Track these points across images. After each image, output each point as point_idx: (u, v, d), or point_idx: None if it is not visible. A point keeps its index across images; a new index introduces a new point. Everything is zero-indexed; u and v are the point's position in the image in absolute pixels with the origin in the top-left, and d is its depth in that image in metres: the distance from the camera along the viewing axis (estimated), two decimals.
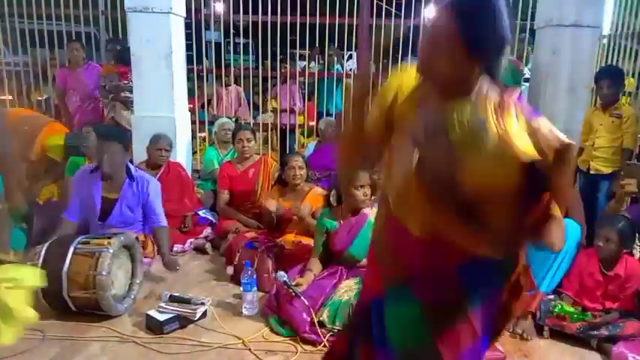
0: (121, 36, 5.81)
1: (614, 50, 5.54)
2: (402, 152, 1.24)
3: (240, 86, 6.00)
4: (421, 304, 1.29)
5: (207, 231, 3.88)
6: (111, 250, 2.58)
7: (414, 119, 1.23)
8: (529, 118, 1.16)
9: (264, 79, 6.59)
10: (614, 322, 2.48)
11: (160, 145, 3.89)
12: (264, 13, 5.59)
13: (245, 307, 2.73)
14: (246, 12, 5.56)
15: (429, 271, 1.28)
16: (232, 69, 5.84)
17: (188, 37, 4.93)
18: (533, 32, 4.23)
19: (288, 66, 6.22)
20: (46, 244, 2.63)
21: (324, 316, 2.50)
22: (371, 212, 2.82)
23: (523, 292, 1.38)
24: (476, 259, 1.26)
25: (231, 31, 6.37)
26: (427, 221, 1.23)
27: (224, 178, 3.97)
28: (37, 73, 6.02)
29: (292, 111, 5.96)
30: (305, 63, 6.12)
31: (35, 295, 2.27)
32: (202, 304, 2.65)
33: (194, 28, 5.59)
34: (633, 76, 5.27)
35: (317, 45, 6.16)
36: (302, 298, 2.55)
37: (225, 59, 6.49)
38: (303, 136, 6.34)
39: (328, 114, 6.00)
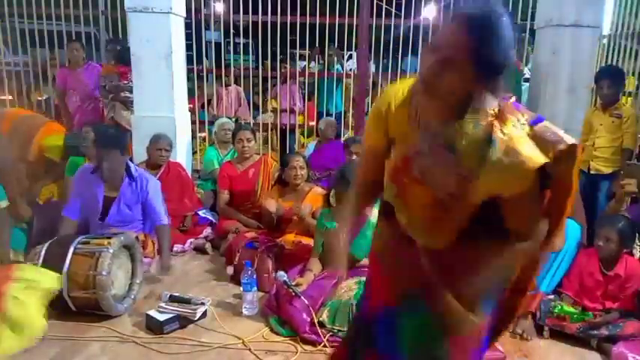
0: (121, 36, 5.81)
1: (614, 50, 5.53)
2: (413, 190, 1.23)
3: (240, 86, 6.00)
4: (435, 316, 1.29)
5: (207, 231, 3.88)
6: (111, 250, 2.58)
7: (416, 136, 1.21)
8: (532, 123, 1.16)
9: (264, 79, 6.58)
10: (614, 322, 2.48)
11: (159, 145, 3.89)
12: (264, 13, 5.59)
13: (245, 307, 2.73)
14: (246, 12, 5.55)
15: (442, 283, 1.27)
16: (232, 69, 5.84)
17: (188, 37, 4.93)
18: (533, 32, 4.23)
19: (288, 66, 6.22)
20: (46, 244, 2.63)
21: (324, 316, 2.50)
22: (370, 213, 2.81)
23: (526, 289, 1.37)
24: (488, 264, 1.26)
25: (231, 31, 6.36)
26: (444, 239, 1.22)
27: (224, 178, 3.97)
28: (37, 73, 6.01)
29: (292, 111, 5.96)
30: (305, 63, 6.12)
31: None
32: (202, 304, 2.65)
33: (194, 28, 5.59)
34: (633, 75, 5.27)
35: (317, 45, 6.16)
36: (302, 297, 2.55)
37: (225, 59, 6.49)
38: (303, 136, 6.33)
39: (328, 114, 5.99)
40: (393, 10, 7.29)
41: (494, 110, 1.15)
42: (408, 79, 1.29)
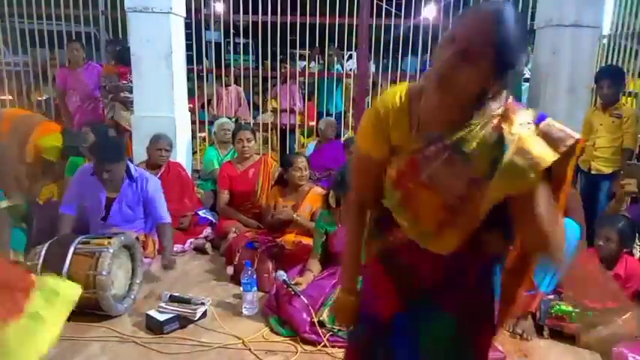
0: (121, 36, 5.81)
1: (614, 50, 5.53)
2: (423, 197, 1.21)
3: (240, 86, 6.00)
4: (451, 315, 1.29)
5: (207, 231, 3.88)
6: (111, 250, 2.58)
7: (420, 141, 1.19)
8: (537, 121, 1.15)
9: (264, 79, 6.58)
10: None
11: (160, 145, 3.89)
12: (264, 13, 5.59)
13: (245, 307, 2.73)
14: (246, 12, 5.55)
15: (454, 281, 1.27)
16: (232, 69, 5.84)
17: (188, 37, 4.93)
18: (533, 32, 4.23)
19: (288, 66, 6.22)
20: (46, 244, 2.63)
21: (324, 315, 2.50)
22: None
23: (526, 277, 1.38)
24: (496, 256, 1.27)
25: (231, 31, 6.36)
26: (452, 245, 1.21)
27: (224, 178, 3.97)
28: (37, 73, 6.02)
29: (292, 111, 5.96)
30: (305, 63, 6.12)
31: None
32: (202, 304, 2.65)
33: (194, 28, 5.59)
34: (633, 76, 5.27)
35: (317, 45, 6.16)
36: (302, 297, 2.55)
37: (225, 59, 6.49)
38: (303, 136, 6.33)
39: (328, 114, 6.00)
40: (393, 10, 7.30)
41: (499, 111, 1.15)
42: (401, 84, 1.26)
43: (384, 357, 1.38)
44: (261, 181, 3.95)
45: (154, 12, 4.10)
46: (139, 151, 4.09)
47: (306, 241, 3.22)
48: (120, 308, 2.64)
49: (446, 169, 1.16)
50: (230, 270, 3.14)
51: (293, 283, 2.68)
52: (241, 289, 2.76)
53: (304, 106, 6.10)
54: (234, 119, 5.40)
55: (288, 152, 5.69)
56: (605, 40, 5.55)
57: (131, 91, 4.42)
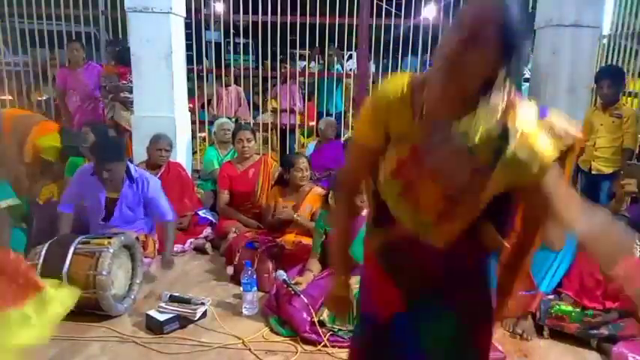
0: (121, 36, 5.81)
1: (614, 50, 5.53)
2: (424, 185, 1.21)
3: (240, 86, 6.00)
4: (451, 315, 1.29)
5: (207, 231, 3.88)
6: (111, 250, 2.58)
7: (422, 132, 1.19)
8: (541, 116, 1.17)
9: (264, 79, 6.58)
10: (614, 321, 2.48)
11: (160, 145, 3.89)
12: (264, 13, 5.59)
13: (245, 307, 2.73)
14: (246, 12, 5.55)
15: (455, 278, 1.27)
16: (232, 69, 5.84)
17: (188, 37, 4.93)
18: (533, 32, 4.23)
19: (288, 66, 6.22)
20: (47, 244, 2.64)
21: (324, 315, 2.50)
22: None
23: (522, 267, 1.39)
24: (493, 251, 1.28)
25: (231, 31, 6.36)
26: (451, 236, 1.21)
27: (224, 178, 3.97)
28: (37, 73, 6.02)
29: (292, 111, 5.96)
30: (305, 63, 6.12)
31: None
32: (202, 304, 2.65)
33: (194, 28, 5.59)
34: (633, 76, 5.27)
35: (317, 45, 6.16)
36: (302, 296, 2.55)
37: (225, 59, 6.49)
38: (303, 136, 6.33)
39: (328, 114, 6.00)
40: (393, 10, 7.30)
41: (504, 103, 1.15)
42: (401, 76, 1.26)
43: (386, 358, 1.38)
44: (261, 181, 3.95)
45: (154, 12, 4.10)
46: (139, 151, 4.09)
47: (306, 241, 3.22)
48: (120, 308, 2.64)
49: (449, 158, 1.15)
50: (230, 270, 3.14)
51: (293, 282, 2.68)
52: (241, 289, 2.76)
53: (304, 106, 6.10)
54: (234, 119, 5.40)
55: (288, 152, 5.69)
56: (605, 40, 5.55)
57: (131, 91, 4.42)
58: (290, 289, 2.60)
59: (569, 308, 2.57)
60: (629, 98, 4.89)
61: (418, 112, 1.20)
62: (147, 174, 3.37)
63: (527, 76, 4.64)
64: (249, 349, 2.39)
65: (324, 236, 2.96)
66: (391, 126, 1.23)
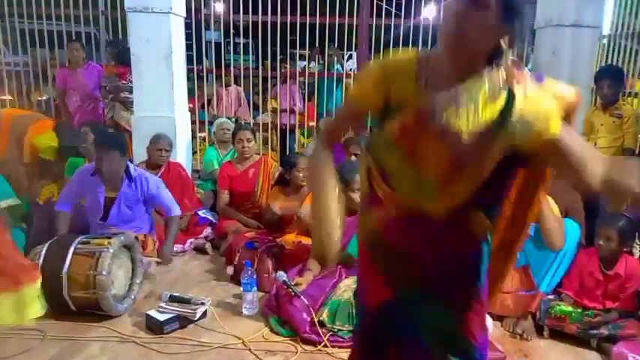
0: (121, 36, 5.81)
1: (614, 50, 5.53)
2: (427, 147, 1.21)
3: (240, 86, 6.00)
4: (443, 303, 1.30)
5: (207, 231, 3.88)
6: (111, 250, 2.58)
7: (427, 99, 1.19)
8: (538, 80, 1.20)
9: (264, 79, 6.58)
10: (614, 321, 2.48)
11: (160, 145, 3.89)
12: (264, 13, 5.59)
13: (245, 307, 2.73)
14: (246, 12, 5.55)
15: (443, 266, 1.28)
16: (232, 69, 5.84)
17: (188, 37, 4.93)
18: (533, 32, 4.23)
19: (288, 66, 6.21)
20: (47, 244, 2.63)
21: (324, 315, 2.50)
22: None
23: (513, 252, 1.41)
24: (486, 240, 1.28)
25: (231, 31, 6.36)
26: (454, 201, 1.20)
27: (224, 179, 3.97)
28: (37, 73, 6.01)
29: (292, 111, 5.96)
30: (305, 63, 6.12)
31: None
32: (202, 304, 2.65)
33: (194, 28, 5.59)
34: (633, 76, 5.27)
35: (317, 45, 6.15)
36: (302, 297, 2.55)
37: (225, 59, 6.49)
38: (303, 136, 6.33)
39: (328, 114, 5.99)
40: (393, 10, 7.30)
41: (507, 70, 1.17)
42: (408, 51, 1.28)
43: (382, 345, 1.40)
44: (261, 181, 3.95)
45: (154, 12, 4.10)
46: (139, 151, 4.09)
47: (306, 241, 3.22)
48: (120, 308, 2.64)
49: (456, 118, 1.16)
50: (230, 270, 3.14)
51: (293, 283, 2.68)
52: (241, 289, 2.76)
53: (304, 106, 6.10)
54: (234, 119, 5.40)
55: (288, 152, 5.69)
56: (605, 40, 5.55)
57: (131, 92, 4.42)
58: (290, 290, 2.60)
59: (570, 309, 2.57)
60: (628, 98, 4.89)
61: (423, 81, 1.22)
62: (146, 173, 3.37)
63: None
64: (249, 349, 2.39)
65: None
66: (395, 90, 1.24)
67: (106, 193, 3.22)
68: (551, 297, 2.68)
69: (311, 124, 6.12)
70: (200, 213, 4.00)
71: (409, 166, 1.23)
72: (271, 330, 2.56)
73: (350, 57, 7.86)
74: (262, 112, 6.60)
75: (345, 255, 2.83)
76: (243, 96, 6.12)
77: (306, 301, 2.53)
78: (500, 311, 2.68)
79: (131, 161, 3.66)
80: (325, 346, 2.38)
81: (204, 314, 2.65)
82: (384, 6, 6.60)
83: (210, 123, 5.47)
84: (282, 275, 2.70)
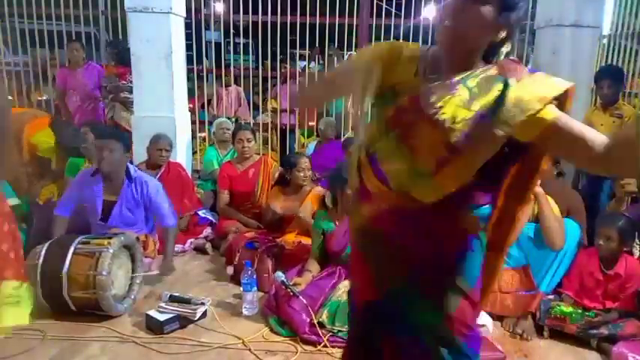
0: (121, 36, 5.81)
1: (614, 50, 5.53)
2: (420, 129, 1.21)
3: (240, 86, 6.00)
4: (430, 302, 1.30)
5: (207, 231, 3.88)
6: (111, 250, 2.58)
7: (425, 86, 1.21)
8: (531, 71, 1.21)
9: (264, 79, 6.58)
10: (614, 321, 2.48)
11: (160, 145, 3.89)
12: (264, 13, 5.59)
13: (245, 307, 2.73)
14: (246, 12, 5.55)
15: (430, 265, 1.27)
16: (232, 69, 5.84)
17: (188, 37, 4.93)
18: (533, 32, 4.23)
19: (288, 66, 6.22)
20: (47, 244, 2.63)
21: (324, 316, 2.49)
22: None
23: (504, 247, 1.39)
24: (475, 237, 1.28)
25: (231, 31, 6.36)
26: (447, 188, 1.19)
27: (224, 179, 3.97)
28: (37, 73, 6.02)
29: (292, 111, 5.96)
30: (305, 63, 6.12)
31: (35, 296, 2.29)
32: (202, 304, 2.65)
33: (194, 28, 5.59)
34: (633, 76, 5.27)
35: (317, 45, 6.15)
36: (300, 297, 2.55)
37: (225, 59, 6.49)
38: (303, 136, 6.33)
39: (328, 114, 5.99)
40: (393, 10, 7.29)
41: (502, 64, 1.19)
42: (414, 43, 1.34)
43: (374, 343, 1.40)
44: (261, 181, 3.95)
45: (154, 12, 4.10)
46: (139, 151, 4.09)
47: (306, 241, 3.22)
48: (120, 308, 2.64)
49: (450, 105, 1.16)
50: (230, 270, 3.14)
51: (292, 283, 2.68)
52: (241, 289, 2.76)
53: None
54: (234, 119, 5.40)
55: (288, 152, 5.69)
56: (605, 40, 5.55)
57: (131, 92, 4.42)
58: (288, 290, 2.60)
59: (570, 309, 2.57)
60: (631, 98, 4.89)
61: (422, 71, 1.25)
62: (146, 176, 3.35)
63: None
64: (249, 349, 2.39)
65: (322, 237, 2.96)
66: (395, 72, 1.27)
67: (106, 197, 3.20)
68: (551, 297, 2.68)
69: (311, 124, 6.12)
70: (200, 213, 4.00)
71: (401, 152, 1.22)
72: (271, 330, 2.56)
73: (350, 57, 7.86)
74: (262, 112, 6.60)
75: (345, 256, 2.83)
76: (243, 96, 6.13)
77: (304, 301, 2.52)
78: (500, 311, 2.68)
79: (131, 161, 3.66)
80: (325, 346, 2.38)
81: (204, 314, 2.65)
82: (384, 6, 6.60)
83: (210, 123, 5.47)
84: (280, 275, 2.70)
